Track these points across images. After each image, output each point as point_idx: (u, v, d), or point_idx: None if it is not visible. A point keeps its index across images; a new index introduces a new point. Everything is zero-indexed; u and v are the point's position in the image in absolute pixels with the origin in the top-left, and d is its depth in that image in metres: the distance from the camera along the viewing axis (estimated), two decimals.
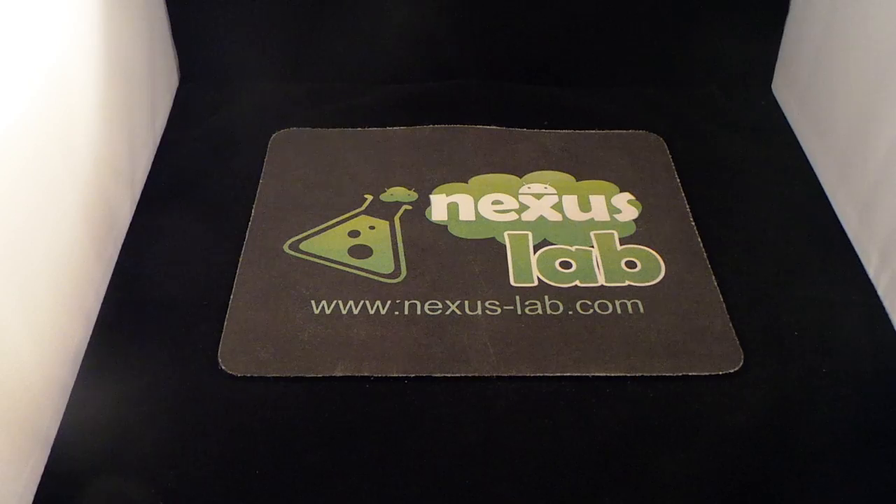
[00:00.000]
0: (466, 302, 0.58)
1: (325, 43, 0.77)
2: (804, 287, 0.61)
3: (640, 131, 0.74)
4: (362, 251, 0.61)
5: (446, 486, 0.49)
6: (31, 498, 0.47)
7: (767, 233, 0.65)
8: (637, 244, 0.63)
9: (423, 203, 0.66)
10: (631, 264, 0.61)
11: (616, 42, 0.80)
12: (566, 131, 0.74)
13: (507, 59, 0.80)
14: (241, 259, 0.60)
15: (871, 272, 0.61)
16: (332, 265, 0.60)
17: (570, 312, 0.57)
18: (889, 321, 0.58)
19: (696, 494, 0.48)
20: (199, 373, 0.53)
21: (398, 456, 0.49)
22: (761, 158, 0.72)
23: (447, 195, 0.67)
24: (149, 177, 0.69)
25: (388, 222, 0.64)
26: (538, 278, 0.60)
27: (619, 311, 0.57)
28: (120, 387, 0.53)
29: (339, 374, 0.53)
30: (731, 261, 0.62)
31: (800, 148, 0.73)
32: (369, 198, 0.66)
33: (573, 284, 0.59)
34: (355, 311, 0.57)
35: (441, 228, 0.64)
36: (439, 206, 0.66)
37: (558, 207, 0.66)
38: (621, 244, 0.63)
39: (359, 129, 0.73)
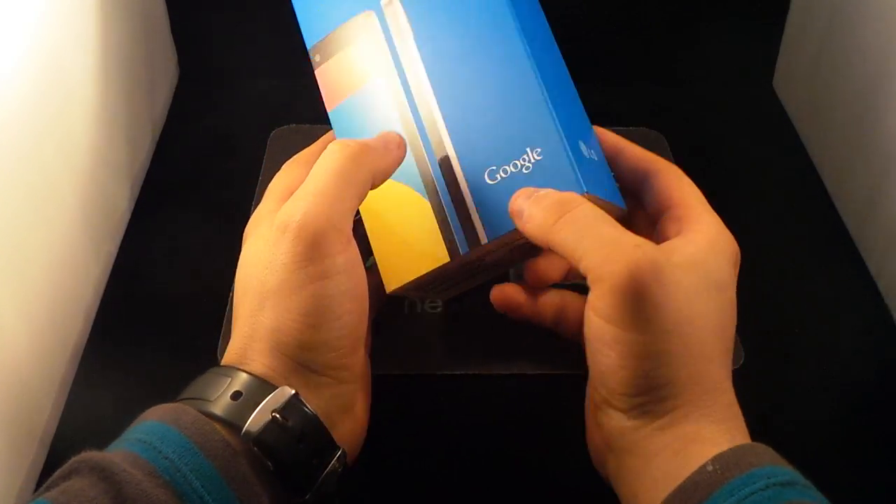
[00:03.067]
0: (467, 300, 0.57)
1: None
2: (805, 285, 0.61)
3: (641, 128, 0.74)
4: (362, 249, 0.61)
5: (446, 484, 0.48)
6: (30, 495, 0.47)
7: (768, 230, 0.65)
8: None
9: None
10: None
11: (617, 39, 0.79)
12: None
13: None
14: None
15: (873, 270, 0.61)
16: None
17: None
18: (890, 319, 0.58)
19: None
20: (198, 370, 0.53)
21: (397, 453, 0.49)
22: (762, 156, 0.72)
23: None
24: (148, 173, 0.68)
25: None
26: None
27: None
28: (119, 384, 0.53)
29: None
30: None
31: (801, 145, 0.73)
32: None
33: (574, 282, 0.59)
34: None
35: None
36: None
37: None
38: None
39: None
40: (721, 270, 0.40)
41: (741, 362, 0.55)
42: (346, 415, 0.41)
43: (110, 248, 0.61)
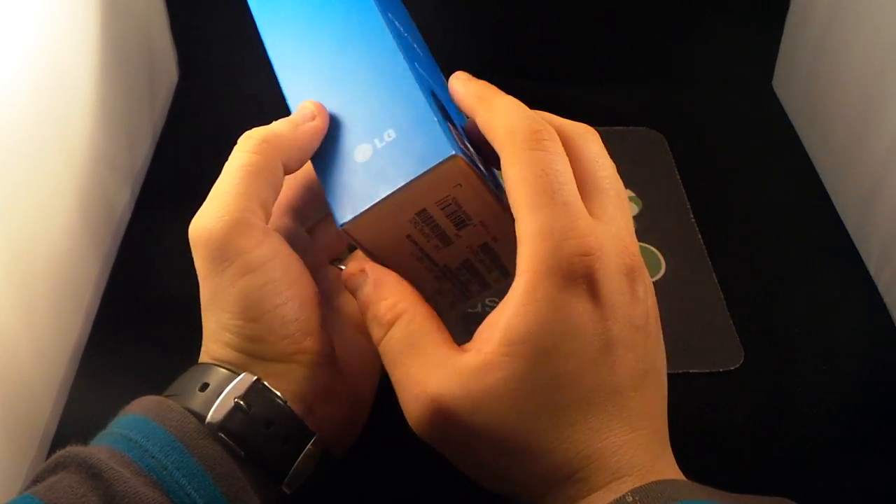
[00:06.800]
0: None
1: None
2: (804, 284, 0.61)
3: (641, 128, 0.74)
4: None
5: (445, 484, 0.48)
6: None
7: (768, 230, 0.65)
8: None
9: None
10: None
11: (616, 39, 0.79)
12: None
13: (507, 55, 0.80)
14: None
15: (872, 269, 0.61)
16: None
17: None
18: (890, 319, 0.58)
19: None
20: None
21: (397, 454, 0.49)
22: (762, 155, 0.72)
23: None
24: (148, 173, 0.68)
25: None
26: None
27: None
28: (119, 384, 0.53)
29: None
30: (731, 258, 0.62)
31: (800, 145, 0.73)
32: None
33: None
34: None
35: None
36: None
37: None
38: None
39: None
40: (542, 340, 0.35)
41: (741, 362, 0.55)
42: (325, 399, 0.41)
43: (110, 247, 0.61)
